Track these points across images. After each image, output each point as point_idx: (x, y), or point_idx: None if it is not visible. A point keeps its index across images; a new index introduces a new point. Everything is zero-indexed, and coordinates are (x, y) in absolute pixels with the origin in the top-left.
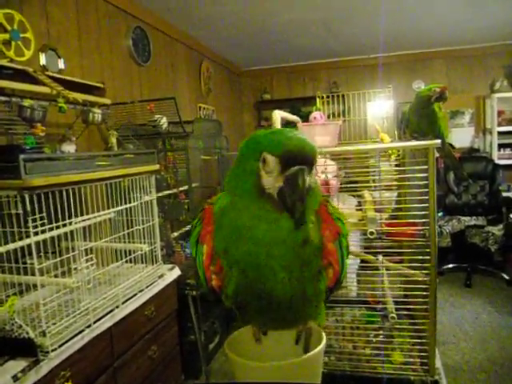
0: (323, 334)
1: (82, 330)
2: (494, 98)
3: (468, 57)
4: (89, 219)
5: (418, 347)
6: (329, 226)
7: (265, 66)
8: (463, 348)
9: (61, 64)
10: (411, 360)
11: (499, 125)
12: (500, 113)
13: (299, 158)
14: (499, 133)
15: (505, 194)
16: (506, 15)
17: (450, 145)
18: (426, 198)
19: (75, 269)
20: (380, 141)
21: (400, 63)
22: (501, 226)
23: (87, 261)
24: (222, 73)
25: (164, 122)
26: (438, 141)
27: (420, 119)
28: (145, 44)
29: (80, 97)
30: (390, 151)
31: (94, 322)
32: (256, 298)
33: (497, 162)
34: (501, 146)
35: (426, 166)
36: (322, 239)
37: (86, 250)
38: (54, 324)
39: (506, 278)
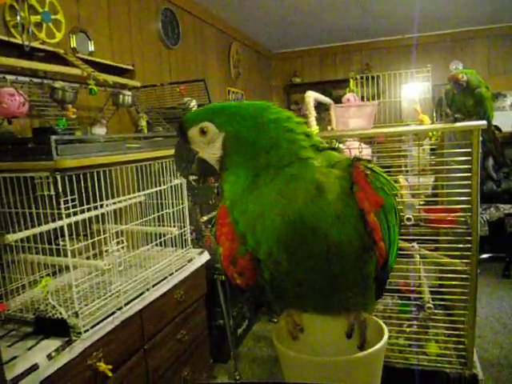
0: (384, 327)
1: (113, 312)
2: None
3: (510, 36)
4: (120, 202)
5: (455, 339)
6: (367, 194)
7: (295, 49)
8: (501, 342)
9: (91, 46)
10: (447, 352)
11: None
12: None
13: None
14: None
15: None
16: None
17: (496, 127)
18: (469, 183)
19: (106, 251)
20: (420, 122)
21: (437, 43)
22: None
23: (118, 243)
24: (252, 56)
25: (194, 104)
26: (485, 122)
27: (466, 99)
28: (174, 26)
29: (110, 79)
30: (430, 133)
31: (125, 305)
32: (293, 283)
33: None
34: None
35: (468, 149)
36: (362, 211)
37: (116, 232)
38: (86, 305)
39: None
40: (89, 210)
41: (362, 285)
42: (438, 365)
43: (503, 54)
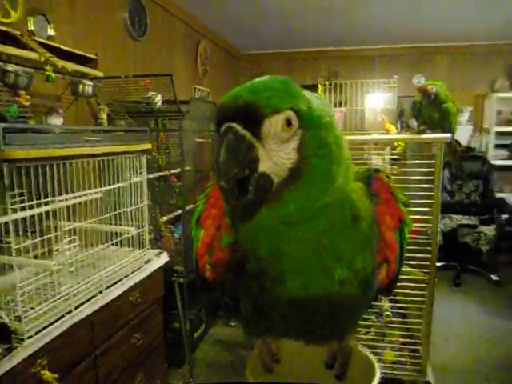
0: (375, 364)
1: (62, 316)
2: (493, 98)
3: (470, 54)
4: (74, 198)
5: (410, 347)
6: (390, 209)
7: (264, 51)
8: (451, 348)
9: (50, 31)
10: (403, 359)
11: (497, 125)
12: (499, 113)
13: (228, 114)
14: (497, 133)
15: (498, 195)
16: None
17: (457, 142)
18: (431, 194)
19: (57, 250)
20: (386, 132)
21: (402, 56)
22: (493, 227)
23: (70, 242)
24: (220, 54)
25: (158, 99)
26: (449, 135)
27: (432, 111)
28: (142, 17)
29: (70, 66)
30: (396, 143)
31: (75, 308)
32: (285, 304)
33: (492, 162)
34: (497, 146)
35: (432, 161)
36: (380, 226)
37: (69, 230)
38: (32, 309)
39: (495, 279)
40: (39, 205)
41: (364, 306)
42: (394, 372)
43: (462, 72)
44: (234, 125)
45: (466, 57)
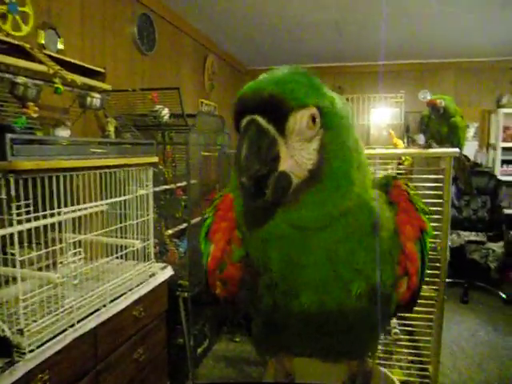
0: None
1: (65, 330)
2: (499, 113)
3: (477, 70)
4: (79, 210)
5: (418, 366)
6: (410, 218)
7: (270, 66)
8: (460, 367)
9: (60, 44)
10: (411, 379)
11: (504, 140)
12: (505, 128)
13: (250, 106)
14: (503, 148)
15: (506, 211)
16: None
17: (465, 156)
18: (439, 209)
19: (61, 263)
20: (394, 146)
21: (408, 72)
22: (501, 243)
23: (74, 255)
24: (227, 70)
25: (165, 113)
26: (457, 150)
27: (441, 126)
28: (150, 32)
29: (78, 79)
30: (403, 157)
31: (78, 322)
32: (300, 321)
33: (499, 177)
34: (504, 161)
35: (440, 176)
36: (399, 237)
37: (74, 243)
38: (35, 322)
39: (503, 296)
40: (44, 216)
41: (383, 324)
42: None
43: (468, 87)
44: (257, 118)
45: (471, 72)
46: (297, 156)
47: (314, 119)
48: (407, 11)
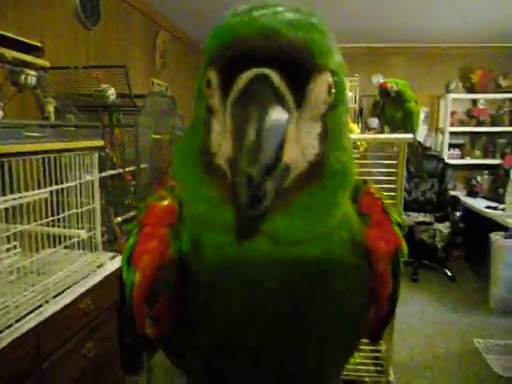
0: None
1: (0, 332)
2: (448, 99)
3: (427, 55)
4: (13, 199)
5: (372, 347)
6: (383, 232)
7: None
8: (410, 344)
9: None
10: (365, 361)
11: (451, 125)
12: (453, 113)
13: (258, 54)
14: (451, 133)
15: (452, 193)
16: (470, 17)
17: (418, 142)
18: (393, 194)
19: None
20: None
21: (361, 56)
22: (447, 224)
23: (8, 250)
24: (179, 48)
25: (112, 92)
26: (411, 135)
27: (395, 111)
28: (94, 5)
29: (10, 53)
30: (358, 143)
31: (17, 321)
32: (247, 359)
33: (447, 161)
34: (451, 145)
35: (393, 161)
36: (371, 255)
37: (11, 235)
38: None
39: (449, 274)
40: None
41: (346, 361)
42: (357, 373)
43: (419, 73)
44: (271, 74)
45: (422, 58)
46: (304, 141)
47: (330, 89)
48: None
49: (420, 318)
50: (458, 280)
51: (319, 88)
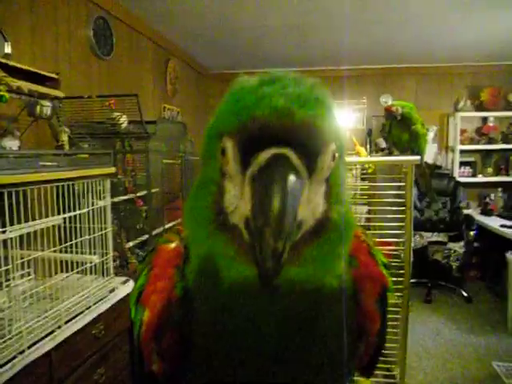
0: None
1: (14, 357)
2: (457, 117)
3: (435, 75)
4: (29, 227)
5: (385, 372)
6: (370, 273)
7: (233, 71)
8: (425, 367)
9: (7, 48)
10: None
11: (461, 143)
12: (462, 131)
13: (276, 135)
14: (461, 151)
15: (465, 212)
16: (473, 36)
17: (426, 163)
18: (402, 216)
19: (7, 286)
20: (357, 154)
21: (370, 77)
22: (461, 243)
23: (23, 276)
24: (190, 74)
25: (124, 120)
26: (418, 157)
27: (402, 133)
28: (107, 36)
29: (26, 86)
30: (367, 165)
31: (29, 347)
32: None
33: (458, 179)
34: (462, 163)
35: (402, 183)
36: (358, 294)
37: (25, 262)
38: None
39: (465, 294)
40: None
41: None
42: None
43: (428, 92)
44: (289, 154)
45: (431, 77)
46: (313, 201)
47: (334, 155)
48: (370, 17)
49: (435, 340)
50: (474, 301)
51: (326, 157)
